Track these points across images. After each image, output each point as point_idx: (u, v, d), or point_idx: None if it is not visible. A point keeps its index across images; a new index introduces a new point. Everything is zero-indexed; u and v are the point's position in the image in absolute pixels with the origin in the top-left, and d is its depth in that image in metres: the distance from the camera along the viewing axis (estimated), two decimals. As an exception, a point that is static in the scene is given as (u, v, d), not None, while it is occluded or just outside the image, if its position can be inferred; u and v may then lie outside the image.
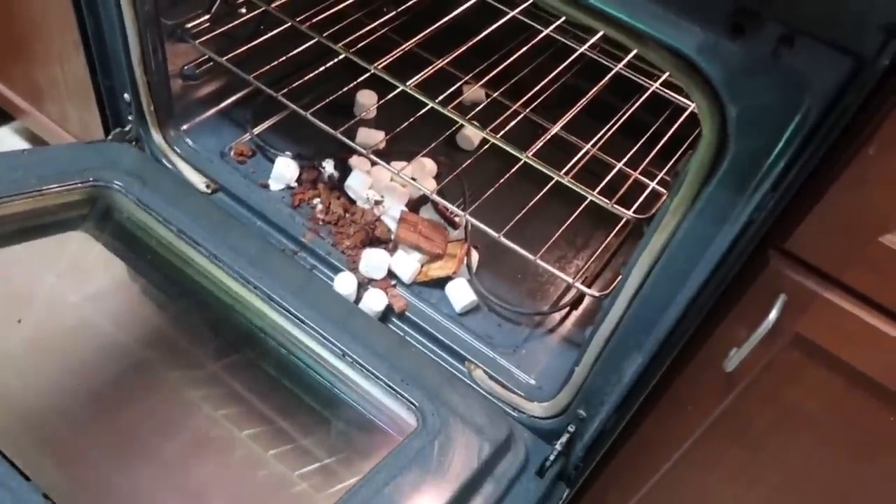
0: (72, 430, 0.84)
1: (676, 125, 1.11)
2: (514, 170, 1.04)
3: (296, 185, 1.14)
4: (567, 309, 1.07)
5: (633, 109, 1.11)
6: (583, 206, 1.03)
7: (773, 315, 0.67)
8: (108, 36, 1.03)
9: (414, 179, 1.14)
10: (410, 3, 1.17)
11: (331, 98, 1.10)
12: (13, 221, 0.94)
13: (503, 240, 0.95)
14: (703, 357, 0.77)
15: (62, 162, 0.99)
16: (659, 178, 1.07)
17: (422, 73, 1.03)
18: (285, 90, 1.09)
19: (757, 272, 0.69)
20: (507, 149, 0.93)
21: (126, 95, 1.09)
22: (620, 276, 0.88)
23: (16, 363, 0.87)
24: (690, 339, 0.76)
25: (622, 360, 0.82)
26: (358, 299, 1.03)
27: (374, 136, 1.17)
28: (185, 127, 1.16)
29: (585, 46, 1.17)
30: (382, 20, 1.15)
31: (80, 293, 0.99)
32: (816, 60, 0.52)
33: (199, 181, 1.12)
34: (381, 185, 1.13)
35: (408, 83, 1.00)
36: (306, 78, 1.13)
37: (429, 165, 1.17)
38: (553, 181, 0.96)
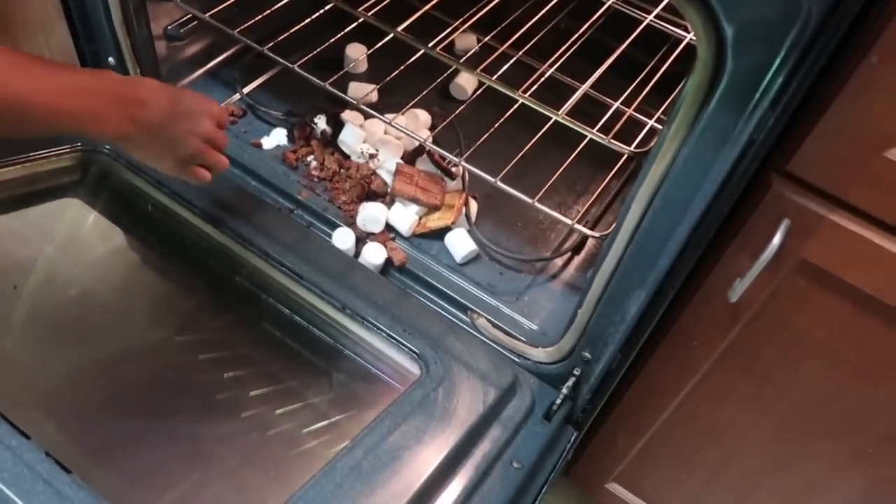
0: (75, 394, 0.84)
1: (671, 60, 1.08)
2: (509, 113, 1.02)
3: (288, 143, 1.12)
4: (569, 254, 1.06)
5: (627, 47, 1.08)
6: (580, 147, 1.01)
7: (776, 240, 0.66)
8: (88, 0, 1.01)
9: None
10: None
11: (319, 50, 1.07)
12: (3, 189, 0.93)
13: (500, 184, 0.94)
14: (706, 289, 0.76)
15: (48, 128, 0.97)
16: (657, 116, 1.05)
17: (411, 19, 1.00)
18: (273, 45, 1.07)
19: (759, 197, 0.68)
20: (502, 90, 0.91)
21: (111, 59, 1.07)
22: (619, 215, 0.86)
23: (12, 328, 0.87)
24: (693, 271, 0.74)
25: (625, 298, 0.80)
26: (357, 254, 1.02)
27: (365, 90, 1.15)
28: (173, 89, 1.14)
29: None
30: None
31: (77, 260, 0.98)
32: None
33: (190, 143, 1.10)
34: (375, 138, 1.11)
35: (398, 29, 0.98)
36: (294, 30, 1.11)
37: (422, 117, 1.14)
38: (550, 122, 0.94)
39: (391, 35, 1.01)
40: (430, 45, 0.99)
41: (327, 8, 1.01)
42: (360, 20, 1.03)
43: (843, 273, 0.68)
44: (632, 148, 0.87)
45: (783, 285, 0.71)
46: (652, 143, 0.88)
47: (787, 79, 0.57)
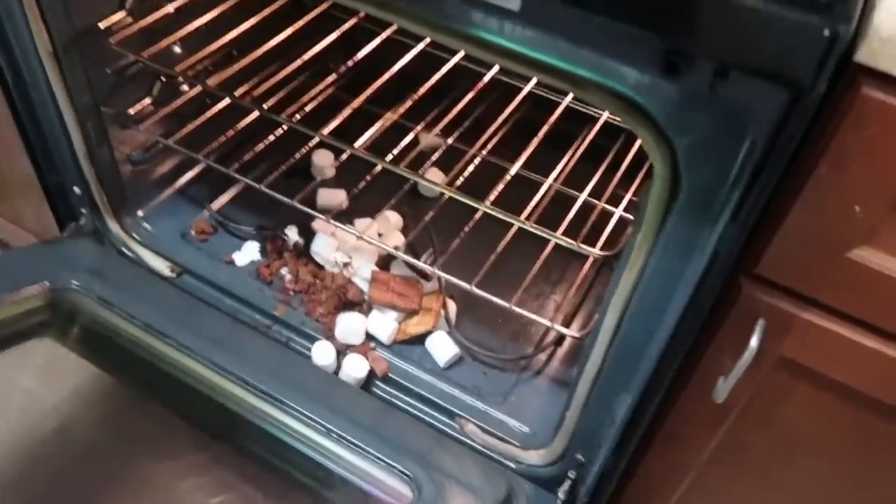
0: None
1: (637, 145, 1.10)
2: (477, 216, 1.02)
3: (261, 257, 1.12)
4: (552, 348, 1.05)
5: (590, 136, 1.09)
6: (552, 243, 1.01)
7: (754, 342, 0.66)
8: (48, 132, 1.01)
9: (380, 235, 1.13)
10: (357, 59, 1.15)
11: (285, 166, 1.08)
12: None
13: (476, 290, 0.93)
14: (692, 390, 0.75)
15: (15, 270, 0.97)
16: (626, 201, 1.06)
17: (371, 131, 1.01)
18: (238, 163, 1.07)
19: (732, 299, 0.67)
20: (465, 200, 0.91)
21: (76, 189, 1.07)
22: (597, 316, 0.86)
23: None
24: (677, 373, 0.74)
25: (612, 400, 0.79)
26: (338, 367, 1.00)
27: (334, 197, 1.15)
28: (141, 212, 1.14)
29: (530, 85, 1.16)
30: (329, 80, 1.14)
31: (50, 400, 0.96)
32: (754, 91, 0.51)
33: (162, 266, 1.09)
34: (348, 245, 1.11)
35: (358, 143, 0.99)
36: (258, 148, 1.12)
37: (393, 219, 1.15)
38: (516, 226, 0.94)
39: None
40: (394, 150, 1.00)
41: (286, 127, 1.02)
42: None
43: (823, 368, 0.67)
44: (600, 248, 0.87)
45: (766, 382, 0.71)
46: (621, 244, 0.89)
47: (745, 192, 0.58)
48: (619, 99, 0.59)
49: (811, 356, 0.67)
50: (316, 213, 1.02)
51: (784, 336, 0.67)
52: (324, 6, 1.16)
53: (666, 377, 0.74)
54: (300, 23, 1.14)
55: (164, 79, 1.10)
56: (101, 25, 0.95)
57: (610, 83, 0.58)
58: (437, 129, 1.14)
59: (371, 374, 1.00)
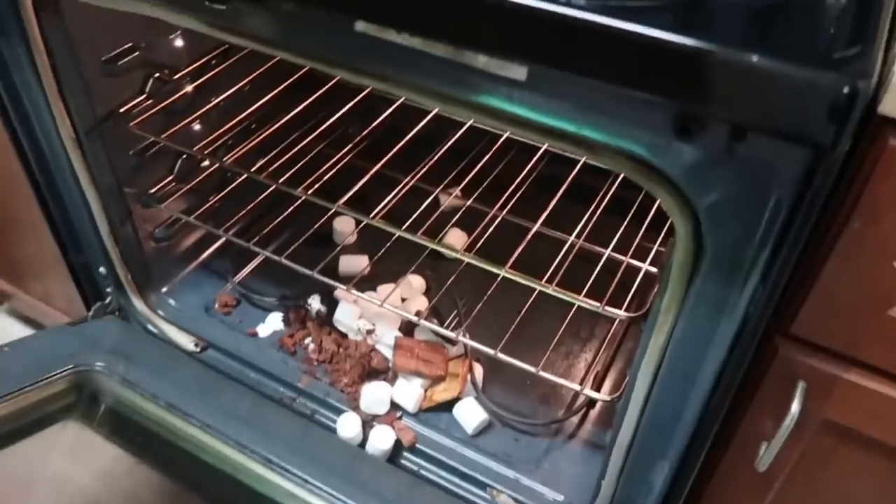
0: None
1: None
2: (500, 279, 1.00)
3: (284, 327, 1.11)
4: (584, 409, 1.01)
5: (612, 189, 1.08)
6: (576, 304, 0.98)
7: (795, 407, 0.62)
8: (72, 213, 1.02)
9: (404, 300, 1.11)
10: (374, 125, 1.16)
11: (306, 236, 1.08)
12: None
13: (501, 356, 0.91)
14: (732, 456, 0.71)
15: (41, 353, 0.97)
16: (653, 253, 1.03)
17: (388, 199, 1.01)
18: (259, 235, 1.07)
19: (768, 361, 0.64)
20: (485, 266, 0.89)
21: (101, 268, 1.08)
22: (627, 379, 0.83)
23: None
24: (716, 438, 0.70)
25: (648, 469, 0.76)
26: (364, 439, 0.98)
27: (356, 263, 1.15)
28: (165, 288, 1.14)
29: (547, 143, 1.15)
30: (346, 149, 1.14)
31: (76, 482, 0.95)
32: (774, 151, 0.49)
33: (186, 341, 1.09)
34: (371, 312, 1.09)
35: (376, 211, 0.98)
36: (280, 219, 1.12)
37: (416, 282, 1.13)
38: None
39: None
40: (414, 214, 0.99)
41: (304, 198, 1.02)
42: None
43: (869, 429, 0.64)
44: (625, 310, 0.85)
45: (810, 446, 0.67)
46: (649, 303, 0.86)
47: (774, 251, 0.55)
48: (633, 161, 0.57)
49: (856, 417, 0.64)
50: (338, 284, 1.01)
51: (826, 397, 0.63)
52: (338, 78, 1.17)
53: (704, 444, 0.70)
54: (316, 94, 1.15)
55: (184, 156, 1.11)
56: (122, 110, 0.97)
57: (622, 145, 0.57)
58: (456, 191, 1.14)
59: (398, 444, 0.97)
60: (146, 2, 0.71)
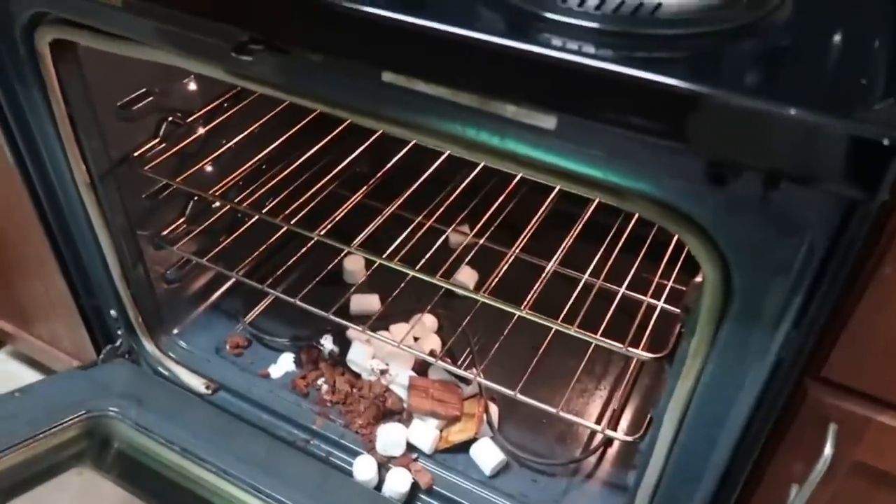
0: None
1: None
2: (515, 317, 1.00)
3: (296, 368, 1.10)
4: (602, 448, 1.01)
5: (628, 226, 1.08)
6: (594, 342, 0.98)
7: (828, 450, 0.62)
8: (84, 256, 1.02)
9: (416, 339, 1.11)
10: (387, 167, 1.16)
11: (318, 278, 1.07)
12: (9, 476, 0.89)
13: (520, 397, 0.90)
14: (761, 499, 0.71)
15: (53, 399, 0.95)
16: (667, 290, 1.02)
17: (400, 240, 1.00)
18: (271, 276, 1.07)
19: (797, 403, 0.64)
20: (500, 306, 0.89)
21: (112, 311, 1.07)
22: (650, 417, 0.82)
23: None
24: (746, 482, 0.69)
25: (675, 512, 0.75)
26: (381, 481, 0.97)
27: (368, 303, 1.14)
28: (176, 330, 1.13)
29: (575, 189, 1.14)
30: (361, 192, 1.13)
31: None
32: (808, 200, 0.49)
33: (198, 384, 1.08)
34: (384, 351, 1.09)
35: (388, 252, 0.98)
36: (291, 260, 1.11)
37: (428, 321, 1.13)
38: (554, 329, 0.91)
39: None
40: (426, 254, 0.99)
41: (316, 239, 1.02)
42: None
43: (905, 472, 0.63)
44: (644, 349, 0.84)
45: (842, 489, 0.66)
46: (671, 343, 0.86)
47: (807, 298, 0.55)
48: (662, 207, 0.58)
49: (889, 460, 0.63)
50: (350, 325, 1.01)
51: (858, 440, 0.63)
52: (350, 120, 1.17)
53: (734, 487, 0.70)
54: (328, 137, 1.16)
55: (195, 198, 1.11)
56: (136, 154, 0.97)
57: (653, 192, 0.57)
58: (467, 228, 1.14)
59: (415, 486, 0.96)
60: (170, 52, 0.72)
